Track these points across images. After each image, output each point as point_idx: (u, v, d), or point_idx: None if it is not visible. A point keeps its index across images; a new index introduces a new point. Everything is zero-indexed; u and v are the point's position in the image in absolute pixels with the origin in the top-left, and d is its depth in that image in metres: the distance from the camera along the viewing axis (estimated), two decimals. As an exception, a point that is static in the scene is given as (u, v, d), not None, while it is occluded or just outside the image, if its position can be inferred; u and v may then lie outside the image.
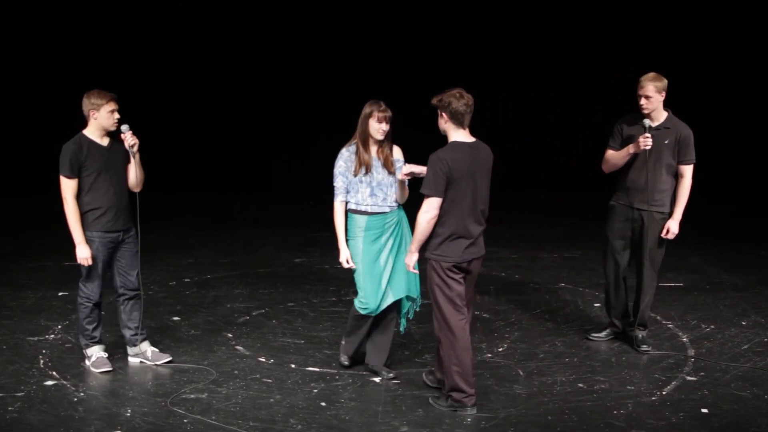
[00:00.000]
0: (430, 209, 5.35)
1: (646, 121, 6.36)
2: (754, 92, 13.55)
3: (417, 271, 5.61)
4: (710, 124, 13.86)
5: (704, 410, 5.51)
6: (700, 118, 13.75)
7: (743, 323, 7.33)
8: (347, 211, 5.96)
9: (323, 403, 5.63)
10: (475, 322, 7.41)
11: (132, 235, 6.19)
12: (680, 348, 6.72)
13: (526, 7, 13.81)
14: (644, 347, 6.61)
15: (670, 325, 7.27)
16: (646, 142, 6.28)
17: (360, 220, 5.92)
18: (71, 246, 5.99)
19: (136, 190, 6.20)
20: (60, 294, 8.07)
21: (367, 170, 5.89)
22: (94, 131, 6.04)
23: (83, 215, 6.00)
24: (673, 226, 6.47)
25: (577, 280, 8.82)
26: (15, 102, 13.48)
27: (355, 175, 5.90)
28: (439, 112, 5.48)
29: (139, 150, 6.10)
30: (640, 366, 6.29)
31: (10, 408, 5.46)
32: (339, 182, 5.93)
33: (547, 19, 13.90)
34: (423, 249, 5.51)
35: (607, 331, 6.87)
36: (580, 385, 5.96)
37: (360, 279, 5.94)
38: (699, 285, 8.57)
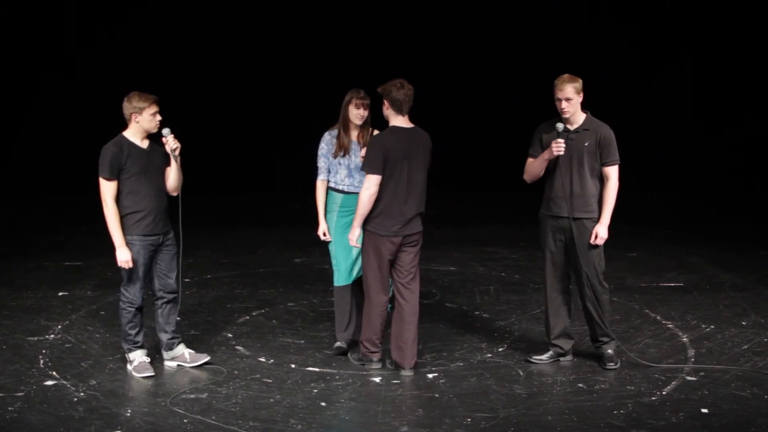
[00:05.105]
0: (370, 186, 5.93)
1: (560, 125, 6.07)
2: (756, 94, 13.54)
3: (359, 246, 6.13)
4: (710, 125, 13.92)
5: (704, 410, 5.51)
6: (701, 119, 13.84)
7: (743, 323, 7.32)
8: (328, 189, 6.50)
9: (323, 403, 5.64)
10: (475, 321, 7.44)
11: (171, 238, 6.18)
12: (680, 348, 6.72)
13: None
14: (611, 365, 6.21)
15: (670, 325, 7.27)
16: (558, 147, 6.02)
17: (337, 197, 6.47)
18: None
19: (174, 194, 6.19)
20: (60, 294, 8.07)
21: (345, 153, 6.42)
22: (135, 133, 6.01)
23: (123, 218, 5.96)
24: (601, 231, 6.11)
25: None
26: (19, 102, 13.50)
27: (335, 157, 6.44)
28: (383, 99, 6.03)
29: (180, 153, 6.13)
30: (640, 366, 6.28)
31: (10, 408, 5.47)
32: (321, 163, 6.49)
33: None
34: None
35: (550, 353, 6.36)
36: (580, 385, 5.96)
37: (333, 249, 6.51)
38: (699, 285, 8.56)
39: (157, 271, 6.15)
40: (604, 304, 6.27)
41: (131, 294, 6.05)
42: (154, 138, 6.08)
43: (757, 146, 13.71)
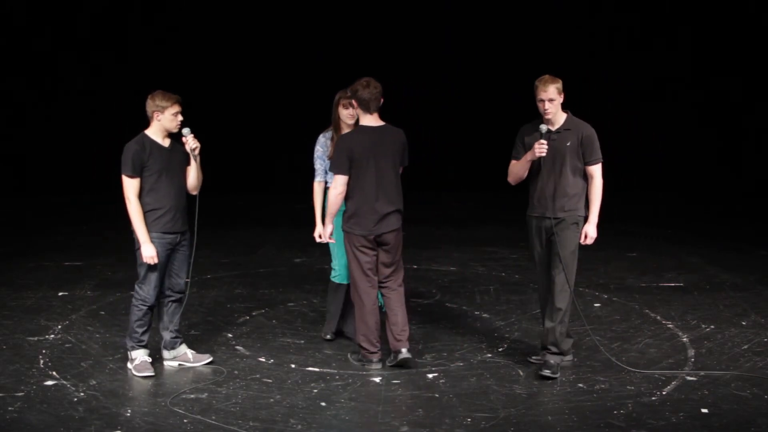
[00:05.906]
0: (337, 186, 6.05)
1: (543, 126, 6.06)
2: (757, 93, 13.54)
3: (333, 240, 6.33)
4: (711, 125, 13.92)
5: (704, 410, 5.51)
6: (702, 119, 13.83)
7: (743, 323, 7.32)
8: (326, 190, 6.52)
9: (323, 403, 5.64)
10: (475, 321, 7.44)
11: (187, 238, 6.21)
12: (680, 348, 6.71)
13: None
14: (546, 372, 5.97)
15: (670, 325, 7.27)
16: (540, 148, 5.99)
17: None
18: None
19: (194, 192, 6.23)
20: (60, 294, 8.08)
21: None
22: (157, 132, 6.04)
23: (143, 215, 5.99)
24: (590, 231, 6.13)
25: (576, 280, 8.74)
26: (19, 102, 13.50)
27: (330, 159, 6.42)
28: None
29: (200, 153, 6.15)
30: (640, 366, 6.28)
31: (10, 408, 5.47)
32: (317, 165, 6.59)
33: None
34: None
35: None
36: (580, 385, 5.96)
37: (333, 248, 6.64)
38: (699, 285, 8.56)
39: (169, 270, 6.17)
40: (565, 311, 6.14)
41: (145, 292, 6.07)
42: (176, 137, 6.11)
43: (758, 145, 13.72)
